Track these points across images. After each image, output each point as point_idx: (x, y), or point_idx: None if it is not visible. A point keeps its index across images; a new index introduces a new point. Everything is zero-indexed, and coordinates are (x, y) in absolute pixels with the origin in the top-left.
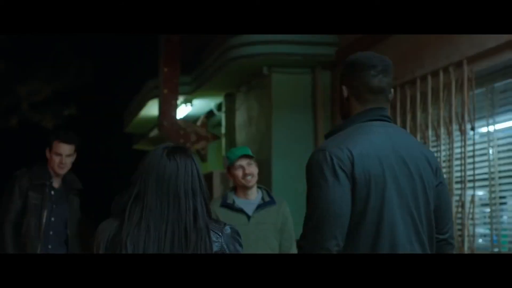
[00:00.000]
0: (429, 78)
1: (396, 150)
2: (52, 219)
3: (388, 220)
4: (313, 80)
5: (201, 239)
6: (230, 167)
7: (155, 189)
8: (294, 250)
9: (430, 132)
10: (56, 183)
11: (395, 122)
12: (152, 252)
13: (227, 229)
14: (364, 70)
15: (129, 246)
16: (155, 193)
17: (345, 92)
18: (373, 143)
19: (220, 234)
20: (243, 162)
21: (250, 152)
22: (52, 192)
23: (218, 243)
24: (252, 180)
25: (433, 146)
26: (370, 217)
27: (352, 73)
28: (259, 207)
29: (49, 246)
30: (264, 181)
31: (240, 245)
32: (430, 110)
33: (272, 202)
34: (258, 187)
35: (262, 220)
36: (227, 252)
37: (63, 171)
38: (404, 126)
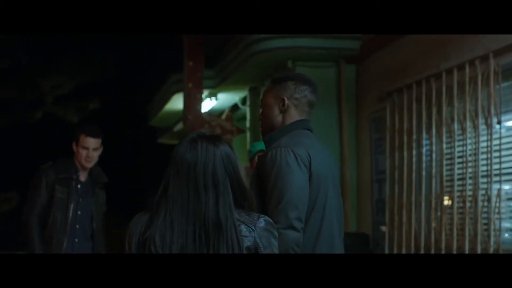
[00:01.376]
0: (455, 72)
1: (330, 156)
2: (79, 212)
3: (328, 219)
4: (337, 73)
5: (224, 233)
6: (251, 160)
7: (176, 180)
8: None
9: (456, 126)
10: (82, 177)
11: (421, 116)
12: (176, 247)
13: (261, 222)
14: (306, 86)
15: (157, 241)
16: (176, 185)
17: (286, 103)
18: (318, 148)
19: (253, 228)
20: None
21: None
22: (79, 186)
23: (250, 238)
24: None
25: (459, 140)
26: (316, 214)
27: (297, 87)
28: None
29: (76, 240)
30: None
31: (275, 237)
32: (456, 103)
33: None
34: None
35: None
36: (261, 246)
37: (90, 165)
38: (429, 120)
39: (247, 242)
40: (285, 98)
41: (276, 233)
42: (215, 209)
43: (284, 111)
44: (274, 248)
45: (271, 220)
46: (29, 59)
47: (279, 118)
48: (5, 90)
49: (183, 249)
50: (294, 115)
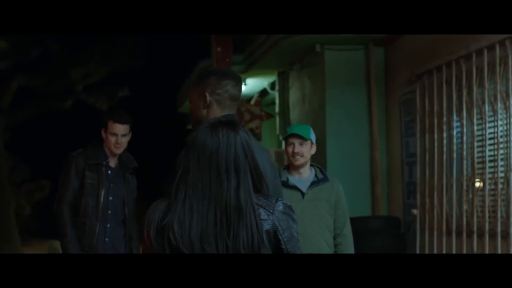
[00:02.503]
0: (485, 52)
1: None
2: (110, 198)
3: None
4: (366, 56)
5: (244, 217)
6: (285, 141)
7: (197, 166)
8: (348, 227)
9: (486, 107)
10: (112, 163)
11: (451, 98)
12: (196, 233)
13: (279, 205)
14: (228, 80)
15: (175, 227)
16: (197, 171)
17: (208, 98)
18: None
19: (271, 211)
20: (296, 140)
21: (304, 134)
22: (109, 172)
23: (269, 221)
24: (300, 160)
25: (490, 122)
26: None
27: (219, 83)
28: (313, 184)
29: (108, 225)
30: (318, 159)
31: (294, 220)
32: (486, 85)
33: (325, 179)
34: (311, 165)
35: (316, 197)
36: (280, 229)
37: (119, 151)
38: (460, 102)
39: (266, 226)
40: (207, 94)
41: (294, 216)
42: (235, 194)
43: (207, 106)
44: (293, 231)
45: (289, 203)
46: (60, 49)
47: (203, 113)
48: (36, 79)
49: (203, 234)
50: (216, 111)
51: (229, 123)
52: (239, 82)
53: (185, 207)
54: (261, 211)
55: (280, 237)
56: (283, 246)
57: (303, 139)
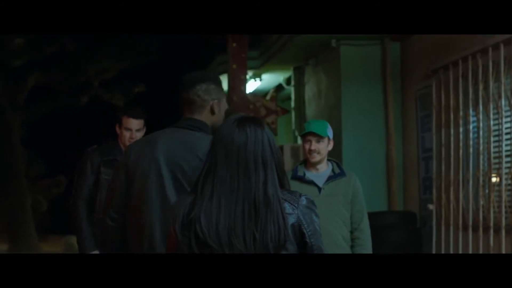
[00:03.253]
0: (502, 47)
1: (169, 152)
2: None
3: (146, 216)
4: (382, 52)
5: (272, 211)
6: (302, 138)
7: (225, 161)
8: (365, 222)
9: (503, 101)
10: None
11: (467, 93)
12: (223, 227)
13: (303, 200)
14: (180, 85)
15: (202, 221)
16: (225, 165)
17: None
18: (152, 144)
19: (296, 205)
20: (313, 138)
21: (320, 131)
22: None
23: (294, 215)
24: (316, 157)
25: (507, 116)
26: (132, 210)
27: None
28: (330, 179)
29: None
30: (334, 154)
31: (316, 215)
32: (503, 79)
33: (342, 174)
34: (328, 160)
35: (333, 192)
36: (304, 224)
37: None
38: (476, 96)
39: (291, 220)
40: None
41: (317, 211)
42: (263, 188)
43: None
44: (316, 225)
45: (311, 198)
46: (75, 45)
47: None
48: (52, 76)
49: (231, 227)
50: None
51: (254, 119)
52: (185, 85)
53: (213, 201)
54: (286, 205)
55: (305, 231)
56: (307, 240)
57: (320, 136)
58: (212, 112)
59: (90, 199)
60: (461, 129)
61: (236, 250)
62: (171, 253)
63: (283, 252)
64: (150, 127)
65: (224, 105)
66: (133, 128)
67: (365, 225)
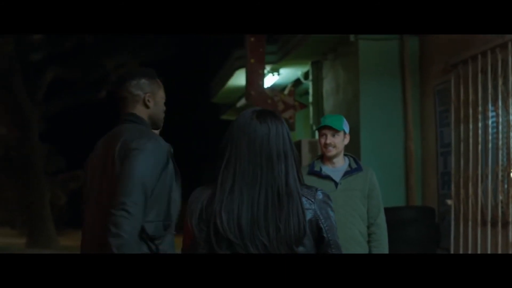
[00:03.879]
0: None
1: (108, 146)
2: None
3: (88, 212)
4: (401, 46)
5: (293, 203)
6: (318, 132)
7: (247, 152)
8: (382, 216)
9: None
10: None
11: (486, 88)
12: (246, 220)
13: (319, 195)
14: (113, 85)
15: (223, 214)
16: (247, 157)
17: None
18: (102, 139)
19: (312, 200)
20: (328, 131)
21: (336, 125)
22: None
23: (311, 210)
24: (332, 151)
25: None
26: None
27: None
28: (346, 173)
29: None
30: (352, 149)
31: (332, 210)
32: None
33: (359, 169)
34: (345, 155)
35: (349, 186)
36: (321, 219)
37: None
38: (495, 91)
39: (308, 215)
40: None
41: (332, 205)
42: (285, 180)
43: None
44: (332, 220)
45: (327, 193)
46: (93, 39)
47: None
48: (71, 70)
49: (254, 219)
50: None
51: (272, 113)
52: (116, 81)
53: (234, 194)
54: (303, 199)
55: (322, 226)
56: (324, 235)
57: (335, 130)
58: (146, 105)
59: None
60: (480, 124)
61: (258, 242)
62: (186, 249)
63: (301, 247)
64: (167, 122)
65: (161, 97)
66: None
67: (382, 220)
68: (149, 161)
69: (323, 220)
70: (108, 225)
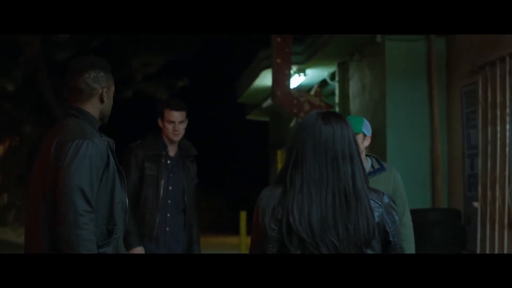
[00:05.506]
0: None
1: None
2: (170, 188)
3: None
4: (427, 47)
5: (361, 204)
6: None
7: (313, 153)
8: (407, 216)
9: None
10: (171, 152)
11: (504, 91)
12: (316, 218)
13: (386, 198)
14: (69, 72)
15: (295, 213)
16: (313, 157)
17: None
18: None
19: (380, 203)
20: None
21: (354, 128)
22: (168, 162)
23: (378, 214)
24: None
25: None
26: None
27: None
28: (369, 174)
29: (168, 215)
30: (378, 150)
31: (397, 214)
32: None
33: (382, 169)
34: (367, 155)
35: (373, 187)
36: (388, 223)
37: (177, 138)
38: None
39: (376, 218)
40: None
41: (396, 208)
42: (352, 180)
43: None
44: (397, 224)
45: (392, 197)
46: (119, 39)
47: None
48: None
49: (323, 218)
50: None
51: (337, 115)
52: (71, 74)
53: (303, 193)
54: (371, 202)
55: (389, 230)
56: (391, 239)
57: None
58: (101, 100)
59: (134, 195)
60: (507, 126)
61: (328, 241)
62: (254, 249)
63: (369, 249)
64: (193, 121)
65: (113, 92)
66: (176, 121)
67: (407, 219)
68: (84, 167)
69: (390, 224)
70: (61, 248)
